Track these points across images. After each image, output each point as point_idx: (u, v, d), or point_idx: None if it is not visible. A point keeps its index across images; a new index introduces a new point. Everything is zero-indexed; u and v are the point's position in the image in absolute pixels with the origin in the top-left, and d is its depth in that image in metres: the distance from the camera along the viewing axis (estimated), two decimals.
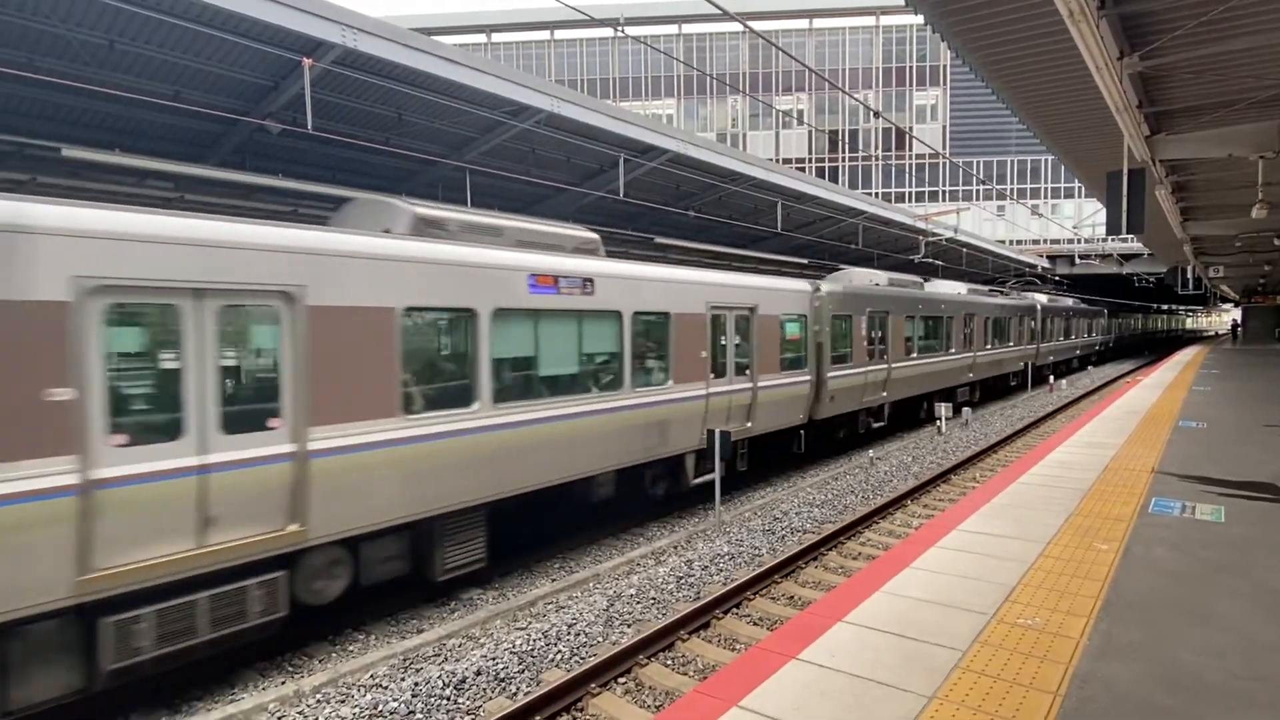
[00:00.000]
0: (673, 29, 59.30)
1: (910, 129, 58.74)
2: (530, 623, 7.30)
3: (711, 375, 11.09)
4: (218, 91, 9.28)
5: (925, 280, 21.38)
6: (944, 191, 62.36)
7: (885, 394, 16.85)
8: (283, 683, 6.28)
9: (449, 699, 5.76)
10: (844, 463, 15.39)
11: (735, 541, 9.86)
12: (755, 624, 7.41)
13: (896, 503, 11.65)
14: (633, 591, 8.03)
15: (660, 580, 8.39)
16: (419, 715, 5.52)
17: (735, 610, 7.68)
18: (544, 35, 59.56)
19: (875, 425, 17.01)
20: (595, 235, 9.90)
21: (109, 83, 8.31)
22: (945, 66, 58.57)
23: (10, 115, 8.61)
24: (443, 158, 11.85)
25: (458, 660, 6.43)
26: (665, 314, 10.12)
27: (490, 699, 5.82)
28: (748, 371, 11.95)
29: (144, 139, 9.60)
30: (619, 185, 13.79)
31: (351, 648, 7.00)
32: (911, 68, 59.79)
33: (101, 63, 8.20)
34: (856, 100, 14.07)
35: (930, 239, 26.00)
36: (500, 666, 6.27)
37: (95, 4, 7.35)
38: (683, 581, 8.40)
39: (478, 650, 6.62)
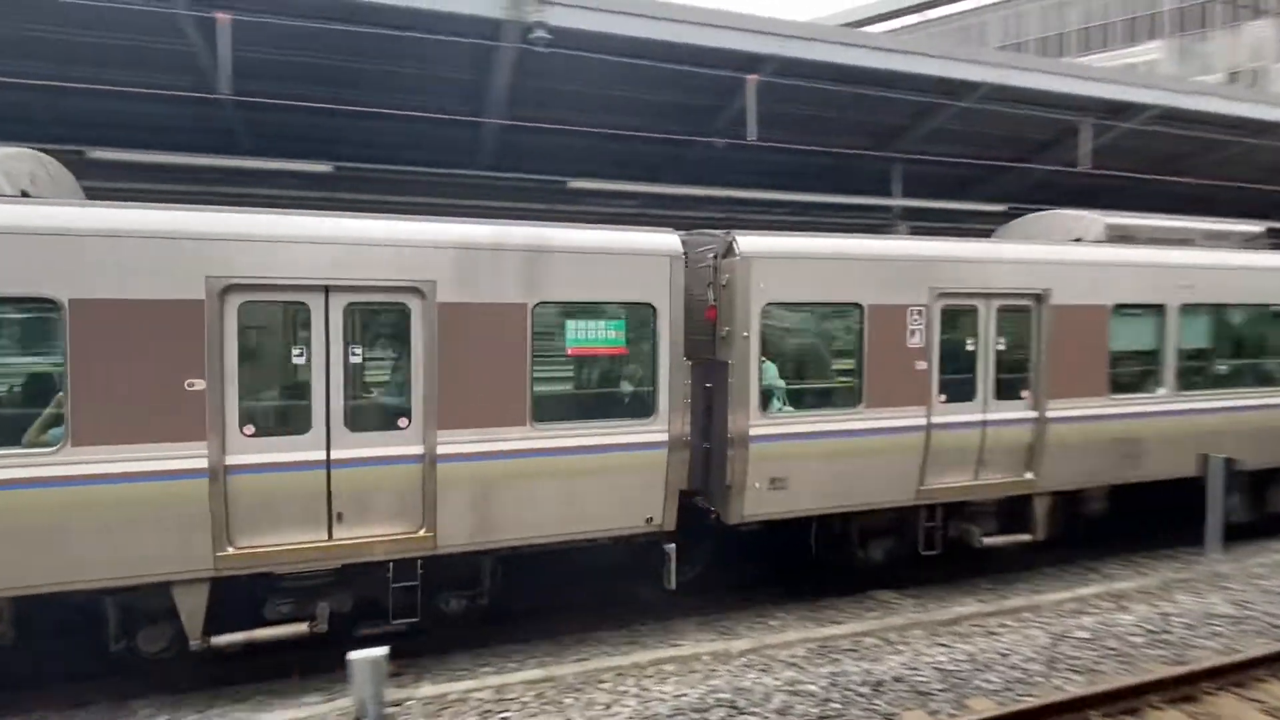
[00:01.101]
0: None
1: None
2: (954, 641, 6.78)
3: (247, 430, 5.58)
4: (672, 119, 10.71)
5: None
6: None
7: (1032, 475, 8.04)
8: (713, 640, 7.02)
9: (865, 697, 5.71)
10: None
11: (1240, 602, 7.61)
12: (1271, 715, 5.62)
13: None
14: (1084, 634, 6.83)
15: (1122, 629, 6.96)
16: (835, 704, 5.60)
17: (1237, 689, 5.94)
18: (983, 0, 54.04)
19: (989, 542, 8.12)
20: None
21: (605, 124, 10.25)
22: None
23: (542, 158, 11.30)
24: (869, 149, 11.68)
25: (874, 661, 6.32)
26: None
27: (909, 709, 5.59)
28: (403, 421, 6.01)
29: (629, 167, 11.57)
30: (1078, 155, 11.75)
31: (772, 623, 7.47)
32: None
33: (599, 109, 10.18)
34: None
35: None
36: (920, 679, 5.97)
37: (591, 59, 9.12)
38: (1155, 637, 6.83)
39: (895, 656, 6.41)
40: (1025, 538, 8.10)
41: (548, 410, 6.43)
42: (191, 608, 5.56)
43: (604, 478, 6.52)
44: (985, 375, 7.71)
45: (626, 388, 6.97)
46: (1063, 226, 9.52)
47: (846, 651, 6.56)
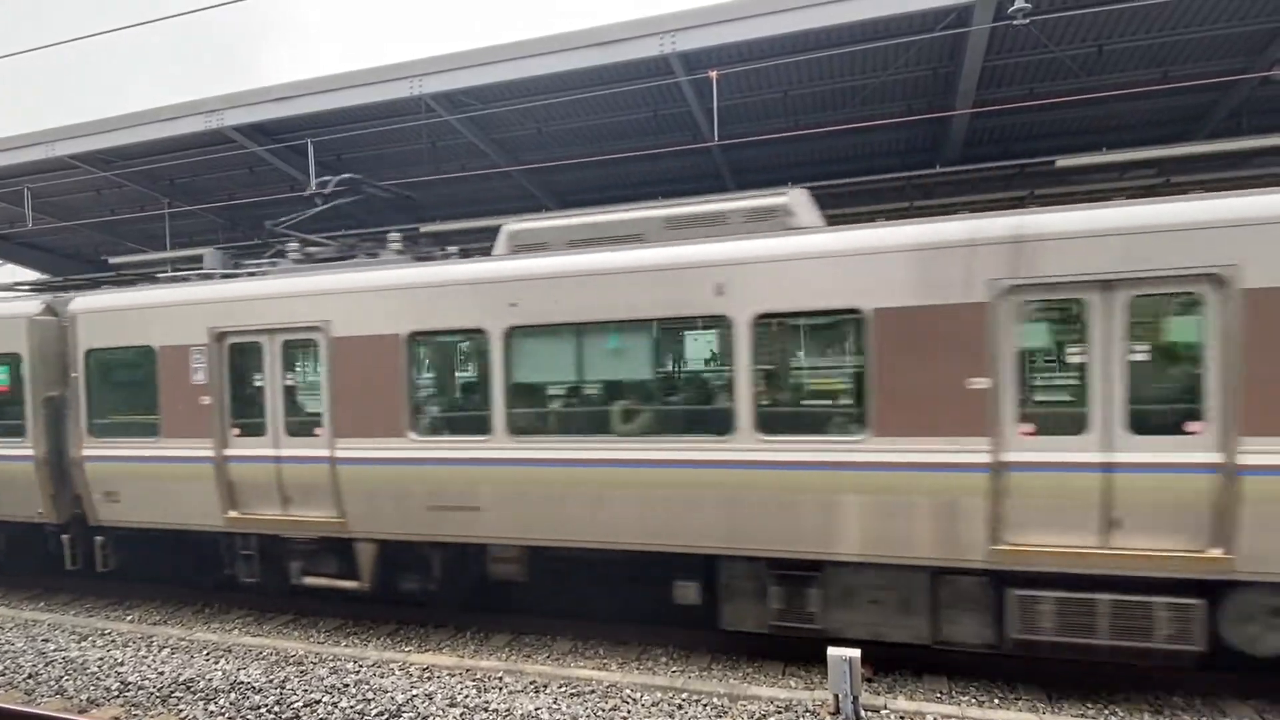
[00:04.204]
0: None
1: None
2: None
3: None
4: (1206, 58, 8.45)
5: None
6: None
7: (340, 516, 7.48)
8: None
9: None
10: None
11: None
12: None
13: None
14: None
15: None
16: None
17: None
18: None
19: (310, 581, 7.86)
20: None
21: (1096, 88, 8.74)
22: None
23: (1014, 140, 10.15)
24: None
25: None
26: None
27: None
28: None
29: (1127, 131, 9.67)
30: None
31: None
32: None
33: (1090, 70, 8.69)
34: None
35: None
36: None
37: (1077, 18, 7.82)
38: None
39: None
40: (352, 584, 7.68)
41: None
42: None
43: None
44: (275, 411, 7.71)
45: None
46: None
47: None
